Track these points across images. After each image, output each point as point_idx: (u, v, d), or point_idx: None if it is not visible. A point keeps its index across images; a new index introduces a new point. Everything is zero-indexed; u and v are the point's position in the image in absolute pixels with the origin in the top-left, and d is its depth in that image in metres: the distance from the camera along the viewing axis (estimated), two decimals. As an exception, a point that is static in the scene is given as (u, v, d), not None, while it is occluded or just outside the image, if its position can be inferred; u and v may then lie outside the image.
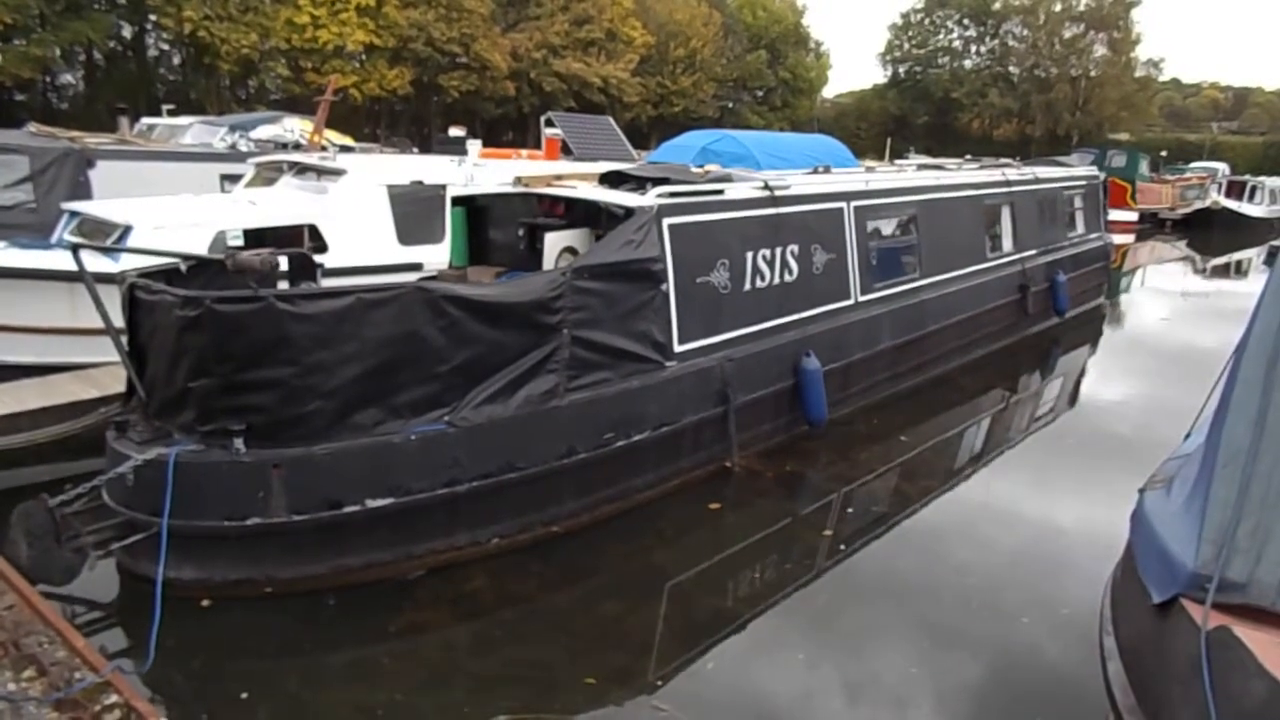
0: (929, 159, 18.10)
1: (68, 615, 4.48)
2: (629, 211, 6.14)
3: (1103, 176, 15.33)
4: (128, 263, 6.60)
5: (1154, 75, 63.77)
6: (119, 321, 5.14)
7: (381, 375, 4.84)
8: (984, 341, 10.78)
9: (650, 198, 6.28)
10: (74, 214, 8.34)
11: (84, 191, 10.19)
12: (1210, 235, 29.15)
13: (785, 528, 6.23)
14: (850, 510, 6.49)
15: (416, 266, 8.81)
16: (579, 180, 7.13)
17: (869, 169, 10.70)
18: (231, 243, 7.84)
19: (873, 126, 62.61)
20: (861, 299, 8.38)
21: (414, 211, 9.00)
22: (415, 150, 20.59)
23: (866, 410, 8.41)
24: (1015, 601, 5.18)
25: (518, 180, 6.97)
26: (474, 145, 10.31)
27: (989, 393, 9.90)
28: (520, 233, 6.96)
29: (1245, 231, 29.87)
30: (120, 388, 6.47)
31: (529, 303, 5.29)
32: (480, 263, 7.24)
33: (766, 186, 7.26)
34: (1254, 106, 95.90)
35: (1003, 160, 14.45)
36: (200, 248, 7.55)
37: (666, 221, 6.25)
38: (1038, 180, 12.42)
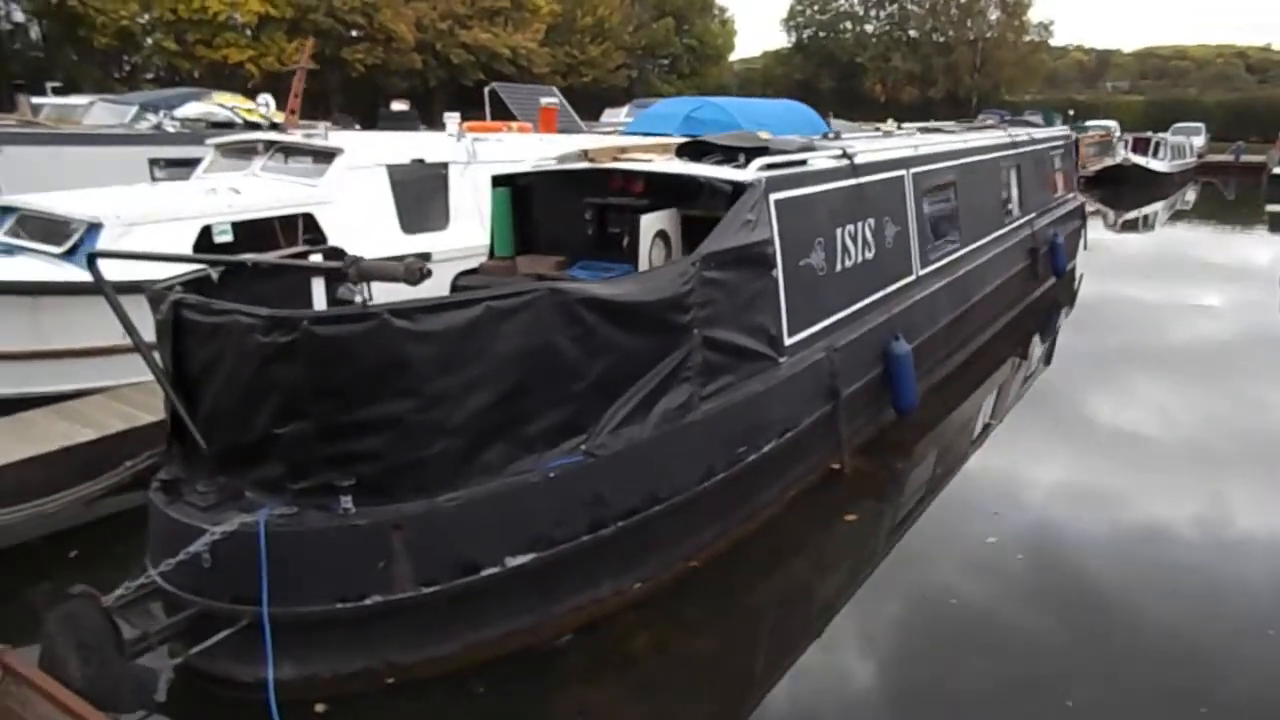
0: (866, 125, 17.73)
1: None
2: (738, 188, 5.30)
3: (1075, 136, 15.28)
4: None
5: (1045, 38, 66.03)
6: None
7: (511, 401, 3.89)
8: (1008, 308, 10.45)
9: (753, 171, 5.45)
10: (8, 210, 6.86)
11: (-14, 183, 8.57)
12: (1120, 191, 30.09)
13: (937, 536, 5.44)
14: (996, 512, 5.70)
15: (424, 257, 7.71)
16: (644, 153, 6.21)
17: (885, 134, 10.11)
18: (219, 238, 6.60)
19: (779, 93, 62.48)
20: (921, 273, 7.79)
21: (417, 194, 7.90)
22: (358, 127, 18.89)
23: (934, 392, 7.83)
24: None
25: (583, 154, 6.00)
26: (452, 118, 9.12)
27: (1036, 359, 9.57)
28: (588, 215, 6.00)
29: (1152, 186, 31.04)
30: (121, 425, 5.28)
31: (662, 301, 4.41)
32: (529, 251, 6.26)
33: (845, 155, 6.54)
34: (1115, 67, 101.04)
35: (988, 121, 14.19)
36: (184, 246, 6.30)
37: (773, 197, 5.44)
38: (1034, 141, 12.13)
